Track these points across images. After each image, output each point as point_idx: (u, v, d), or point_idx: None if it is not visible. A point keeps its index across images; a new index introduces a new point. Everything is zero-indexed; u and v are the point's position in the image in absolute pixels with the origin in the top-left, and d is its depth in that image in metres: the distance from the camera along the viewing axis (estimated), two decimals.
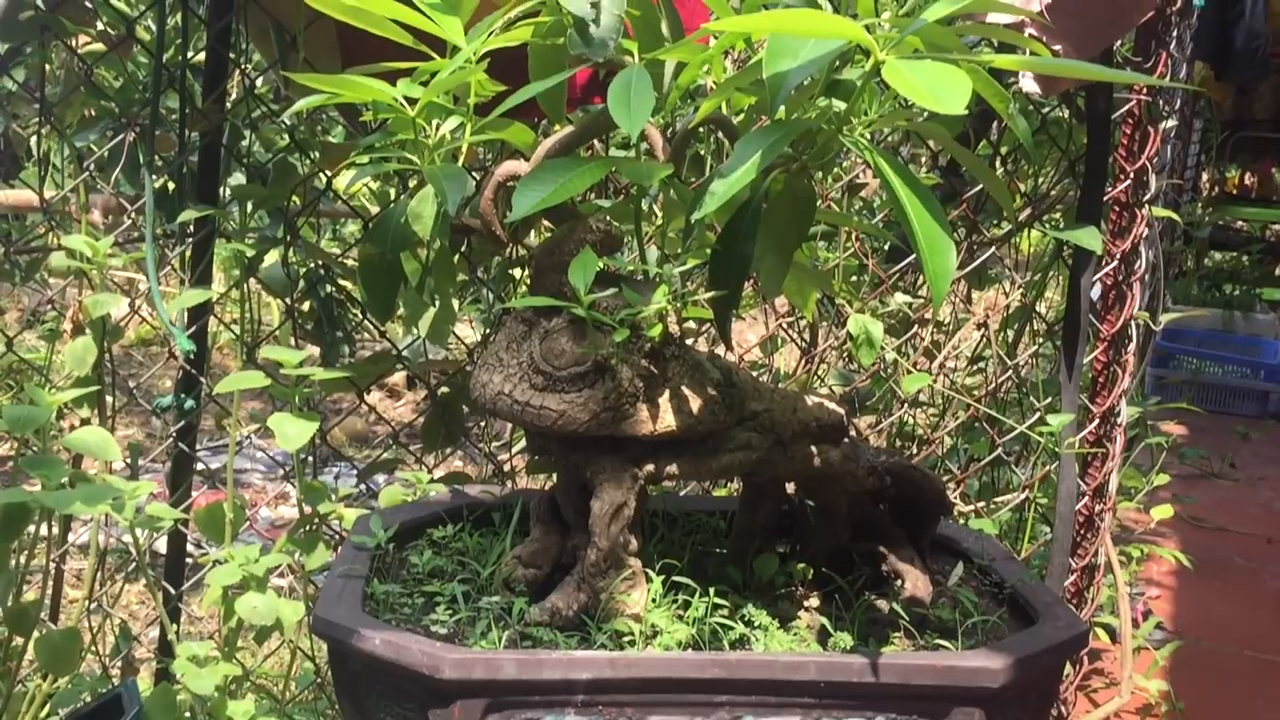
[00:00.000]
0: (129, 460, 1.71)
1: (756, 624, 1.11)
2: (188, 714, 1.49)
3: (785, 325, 2.19)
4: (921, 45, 0.97)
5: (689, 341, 1.41)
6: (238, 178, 2.16)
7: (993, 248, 2.13)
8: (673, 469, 1.13)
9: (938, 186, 2.22)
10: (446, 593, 1.16)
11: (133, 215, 1.84)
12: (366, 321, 2.11)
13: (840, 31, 0.91)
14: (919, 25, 0.94)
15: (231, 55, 1.80)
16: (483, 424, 2.31)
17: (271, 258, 1.95)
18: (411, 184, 1.39)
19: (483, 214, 1.16)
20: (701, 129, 1.19)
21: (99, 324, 1.56)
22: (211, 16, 1.74)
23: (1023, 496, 2.07)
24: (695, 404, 1.12)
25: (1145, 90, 1.86)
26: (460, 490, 1.45)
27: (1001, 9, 1.16)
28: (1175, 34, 1.89)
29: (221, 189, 1.88)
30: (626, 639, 1.07)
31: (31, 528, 1.44)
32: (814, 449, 1.19)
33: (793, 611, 1.16)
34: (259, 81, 1.96)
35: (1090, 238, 1.71)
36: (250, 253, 1.82)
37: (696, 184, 1.41)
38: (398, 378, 4.07)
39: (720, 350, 1.95)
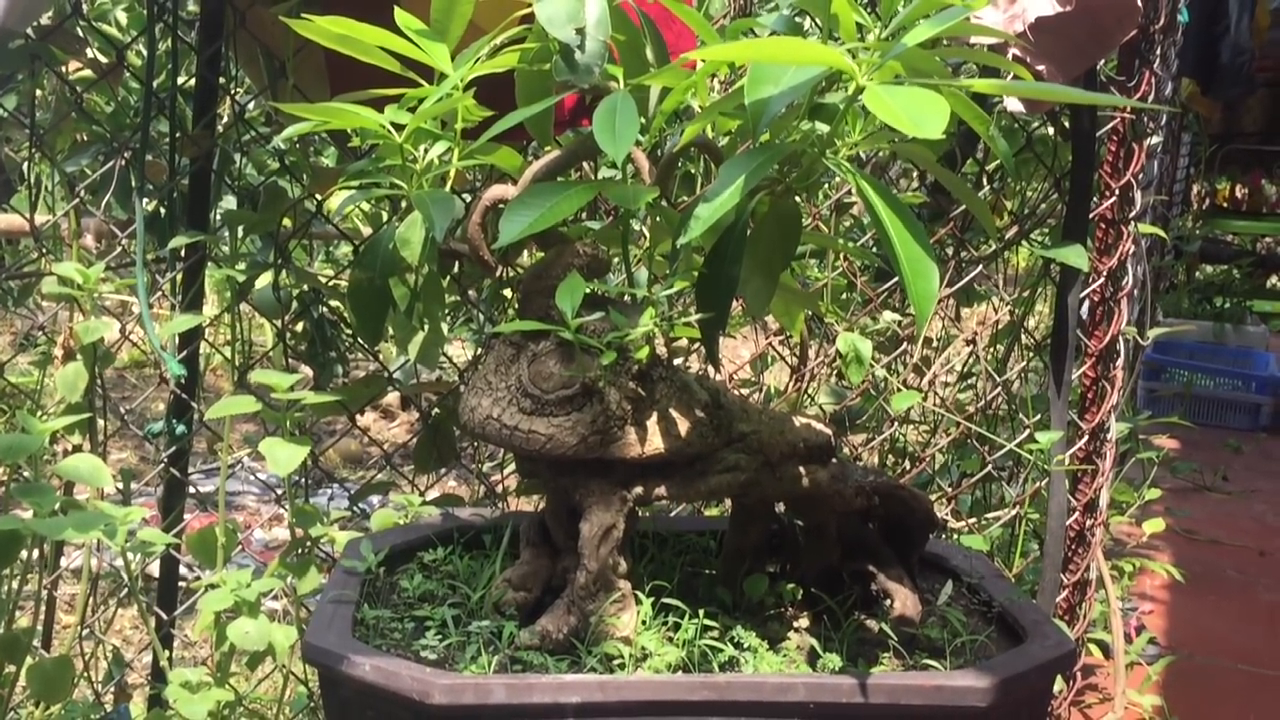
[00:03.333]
0: (121, 485, 1.72)
1: (746, 645, 1.12)
2: None
3: (776, 343, 2.20)
4: (903, 70, 0.98)
5: (679, 361, 1.42)
6: (229, 202, 2.17)
7: (979, 266, 2.14)
8: (661, 491, 1.14)
9: (925, 204, 2.23)
10: (437, 617, 1.16)
11: (124, 240, 1.85)
12: (359, 342, 2.12)
13: (821, 59, 0.92)
14: (900, 50, 0.95)
15: (221, 81, 1.81)
16: (475, 444, 2.32)
17: (264, 280, 1.95)
18: (402, 205, 1.40)
19: (471, 239, 1.17)
20: (688, 152, 1.20)
21: (90, 350, 1.57)
22: (201, 43, 1.75)
23: (1014, 513, 2.08)
24: (683, 426, 1.13)
25: (1129, 108, 1.87)
26: (451, 513, 1.45)
27: (983, 32, 1.17)
28: (1159, 51, 1.90)
29: (212, 214, 1.89)
30: (616, 662, 1.07)
31: (24, 554, 1.44)
32: (802, 470, 1.19)
33: (782, 632, 1.17)
34: (249, 106, 1.97)
35: (1076, 255, 1.73)
36: (241, 278, 1.83)
37: (684, 205, 1.42)
38: (392, 398, 4.07)
39: (709, 370, 1.96)
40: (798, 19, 1.22)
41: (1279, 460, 4.17)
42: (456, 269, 1.77)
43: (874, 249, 2.06)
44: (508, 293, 2.14)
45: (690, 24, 1.14)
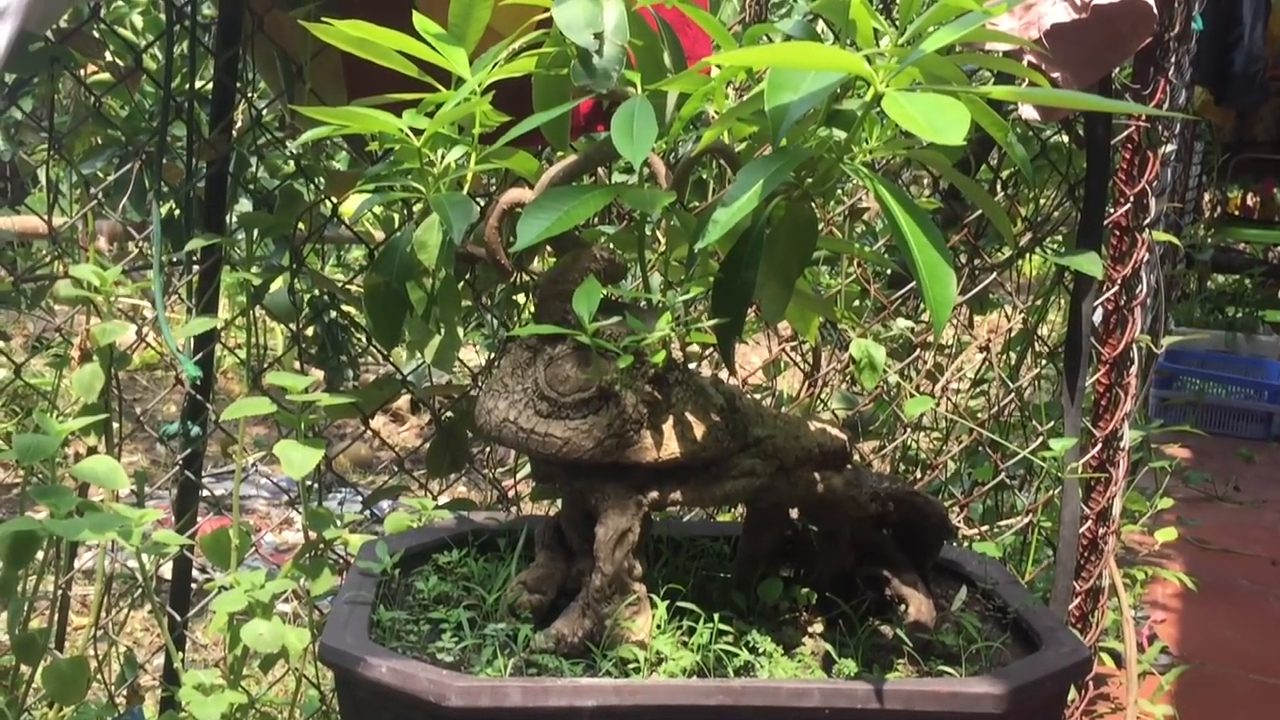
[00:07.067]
0: (135, 487, 1.72)
1: (761, 650, 1.12)
2: None
3: (788, 349, 2.19)
4: (921, 76, 0.99)
5: (692, 367, 1.42)
6: (244, 205, 2.18)
7: (994, 273, 2.14)
8: (677, 495, 1.14)
9: (939, 211, 2.23)
10: (452, 619, 1.16)
11: (139, 243, 1.86)
12: (371, 347, 2.13)
13: (840, 64, 0.92)
14: (918, 56, 0.95)
15: (238, 85, 1.82)
16: (487, 449, 2.32)
17: (277, 284, 1.96)
18: (416, 210, 1.40)
19: (487, 242, 1.17)
20: (704, 157, 1.20)
21: (106, 351, 1.57)
22: (218, 47, 1.76)
23: (1026, 520, 2.07)
24: (699, 430, 1.13)
25: (1144, 116, 1.87)
26: (465, 516, 1.45)
27: (999, 39, 1.17)
28: (1174, 59, 1.90)
29: (228, 217, 1.90)
30: (631, 666, 1.07)
31: (38, 554, 1.45)
32: (817, 475, 1.19)
33: (797, 637, 1.17)
34: (265, 110, 1.97)
35: (1091, 263, 1.72)
36: (256, 280, 1.83)
37: (699, 210, 1.42)
38: (402, 402, 4.07)
39: (724, 375, 1.96)
40: (813, 24, 1.23)
41: None
42: (470, 273, 1.77)
43: (888, 254, 2.06)
44: (520, 298, 2.15)
45: (707, 29, 1.15)
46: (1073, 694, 2.00)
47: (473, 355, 3.10)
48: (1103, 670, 2.24)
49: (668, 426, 1.12)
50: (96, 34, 1.81)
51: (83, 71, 1.94)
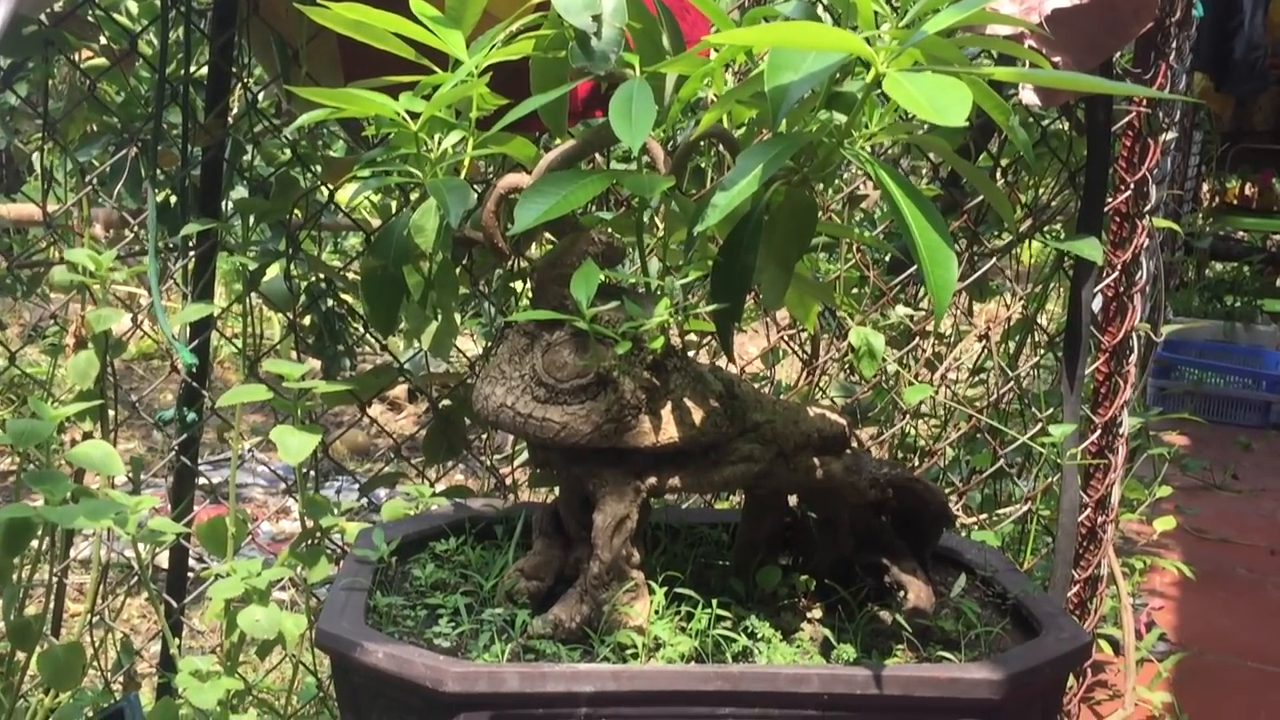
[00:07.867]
0: (131, 474, 1.71)
1: (759, 636, 1.11)
2: None
3: (786, 337, 2.19)
4: (922, 58, 0.98)
5: (691, 353, 1.41)
6: (240, 191, 2.17)
7: (994, 259, 2.13)
8: (675, 481, 1.13)
9: (938, 198, 2.22)
10: (449, 605, 1.16)
11: (135, 229, 1.85)
12: (368, 334, 2.12)
13: (841, 45, 0.91)
14: (919, 38, 0.94)
15: (234, 70, 1.81)
16: (484, 437, 2.32)
17: (273, 271, 1.95)
18: (413, 196, 1.40)
19: (485, 227, 1.16)
20: (702, 142, 1.20)
21: (101, 338, 1.56)
22: (214, 31, 1.75)
23: (1025, 508, 2.07)
24: (697, 415, 1.12)
25: (1145, 102, 1.86)
26: (462, 503, 1.45)
27: (1001, 21, 1.16)
28: (1175, 45, 1.89)
29: (224, 203, 1.89)
30: (629, 651, 1.07)
31: (34, 542, 1.44)
32: (816, 461, 1.19)
33: (795, 623, 1.16)
34: (261, 96, 1.96)
35: (1091, 249, 1.72)
36: (252, 266, 1.82)
37: (698, 196, 1.41)
38: (399, 390, 4.07)
39: (722, 362, 1.95)
40: (813, 8, 1.22)
41: None
42: (468, 258, 1.76)
43: (887, 240, 2.05)
44: (517, 284, 2.14)
45: (706, 12, 1.14)
46: (1071, 681, 2.00)
47: (470, 344, 3.10)
48: (1101, 657, 2.24)
49: (666, 412, 1.11)
50: (91, 18, 1.80)
51: (77, 56, 1.93)
